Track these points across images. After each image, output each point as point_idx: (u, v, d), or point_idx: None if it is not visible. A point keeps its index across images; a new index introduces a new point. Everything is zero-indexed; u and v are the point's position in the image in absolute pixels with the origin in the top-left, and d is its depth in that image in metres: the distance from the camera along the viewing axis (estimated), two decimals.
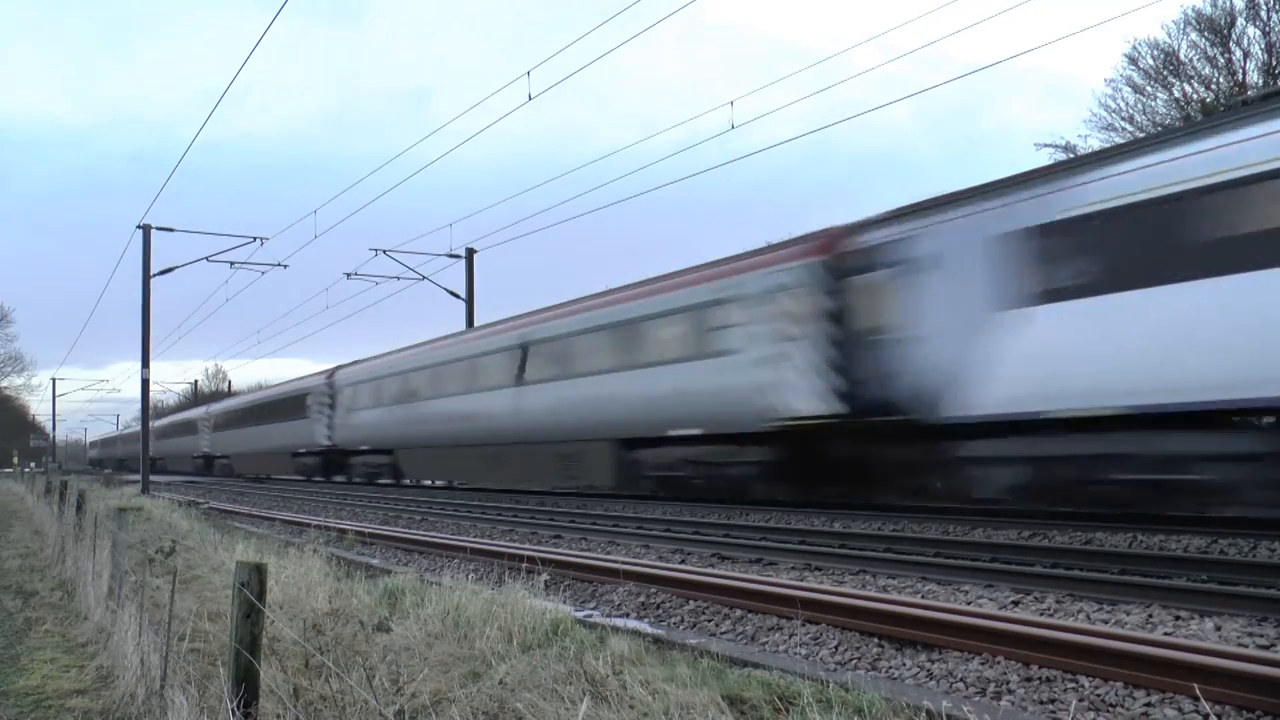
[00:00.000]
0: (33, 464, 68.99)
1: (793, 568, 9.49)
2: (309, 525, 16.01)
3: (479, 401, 24.87)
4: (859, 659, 5.76)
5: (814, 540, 11.55)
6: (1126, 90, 31.64)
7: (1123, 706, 4.53)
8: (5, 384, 79.07)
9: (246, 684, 3.57)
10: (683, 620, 7.27)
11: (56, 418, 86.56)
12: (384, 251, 33.00)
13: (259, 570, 3.64)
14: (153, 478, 50.97)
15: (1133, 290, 10.82)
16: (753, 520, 14.38)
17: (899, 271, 13.75)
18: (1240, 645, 5.49)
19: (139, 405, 35.11)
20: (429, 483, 31.80)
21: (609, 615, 7.37)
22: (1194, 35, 30.22)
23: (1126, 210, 10.88)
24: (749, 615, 7.02)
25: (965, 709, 4.17)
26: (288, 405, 40.51)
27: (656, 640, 6.04)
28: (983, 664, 5.29)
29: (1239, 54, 29.94)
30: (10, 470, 65.79)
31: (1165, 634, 5.77)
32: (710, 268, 17.94)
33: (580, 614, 6.90)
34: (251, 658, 3.57)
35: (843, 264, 14.79)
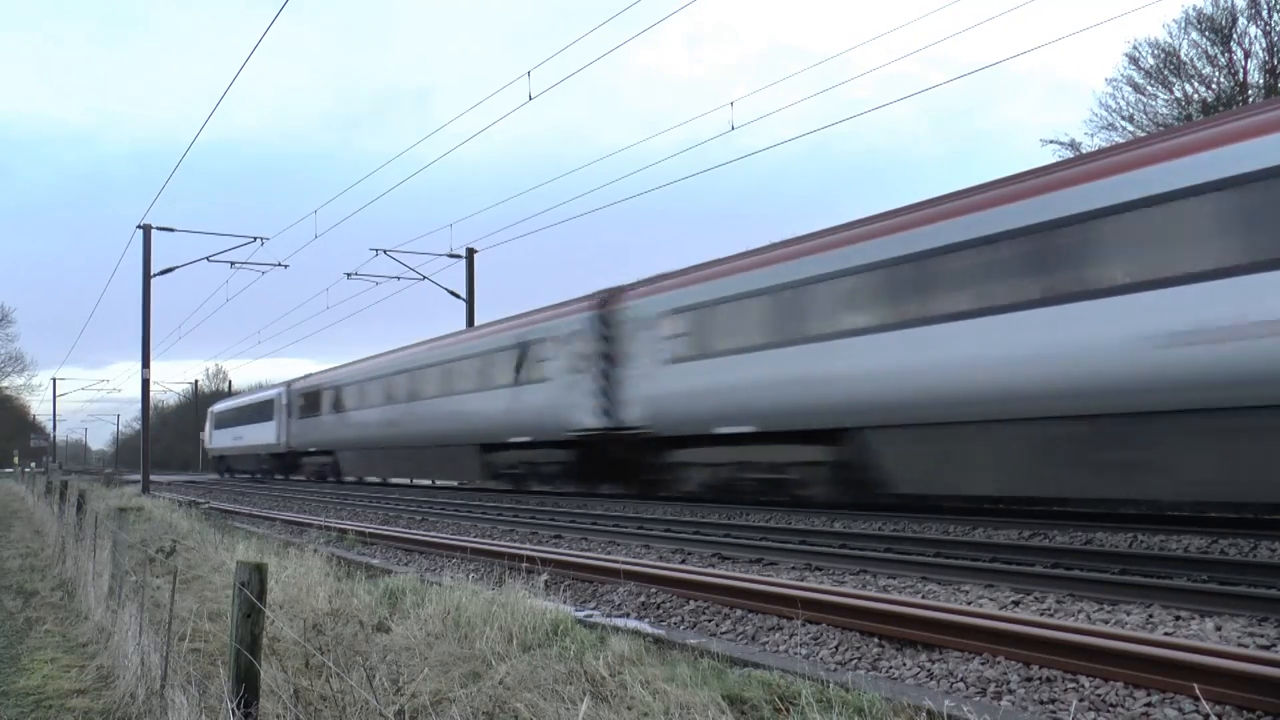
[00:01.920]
0: (33, 464, 68.81)
1: (793, 568, 9.48)
2: (309, 525, 16.02)
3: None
4: (859, 659, 5.76)
5: (814, 540, 11.55)
6: (1127, 90, 31.67)
7: (1123, 706, 4.53)
8: (5, 384, 79.22)
9: (247, 684, 3.57)
10: (683, 620, 7.27)
11: (57, 418, 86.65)
12: (384, 251, 33.06)
13: (259, 570, 3.64)
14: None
15: None
16: (753, 520, 14.38)
17: None
18: (1240, 645, 5.49)
19: (139, 405, 34.98)
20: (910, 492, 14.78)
21: (609, 615, 7.37)
22: (1195, 35, 30.24)
23: None
24: (749, 615, 7.02)
25: (966, 709, 4.17)
26: (486, 364, 24.15)
27: (657, 640, 6.04)
28: (983, 664, 5.29)
29: (1240, 54, 29.95)
30: (10, 470, 65.74)
31: (1165, 634, 5.77)
32: None
33: (580, 614, 6.90)
34: (252, 658, 3.58)
35: None
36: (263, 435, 43.55)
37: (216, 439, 54.35)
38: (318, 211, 46.34)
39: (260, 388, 50.56)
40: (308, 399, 38.06)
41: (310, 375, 39.96)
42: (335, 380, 35.80)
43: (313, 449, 37.69)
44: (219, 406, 56.08)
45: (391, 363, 30.84)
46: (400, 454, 30.11)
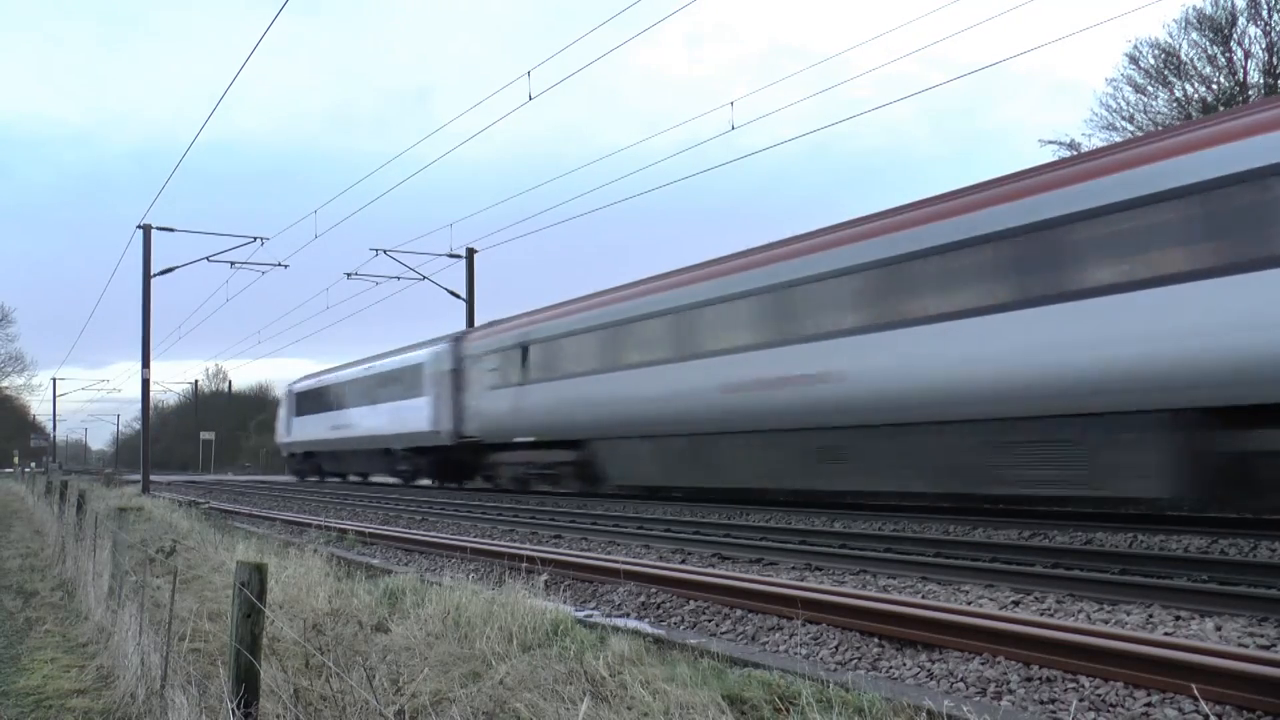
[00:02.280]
0: (33, 464, 68.72)
1: (793, 568, 9.49)
2: (309, 525, 16.02)
3: None
4: (859, 659, 5.76)
5: (814, 540, 11.55)
6: (1128, 90, 31.71)
7: (1123, 706, 4.53)
8: (5, 384, 79.36)
9: (247, 684, 3.57)
10: (683, 620, 7.27)
11: (57, 418, 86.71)
12: (384, 251, 33.04)
13: (259, 570, 3.65)
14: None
15: None
16: (753, 520, 14.38)
17: None
18: (1240, 645, 5.49)
19: (139, 405, 34.88)
20: None
21: (609, 615, 7.37)
22: (1195, 35, 30.27)
23: None
24: (749, 615, 7.02)
25: (965, 709, 4.17)
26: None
27: (657, 640, 6.04)
28: (983, 664, 5.29)
29: (1240, 54, 29.97)
30: (11, 470, 65.72)
31: (1165, 634, 5.77)
32: None
33: (580, 614, 6.90)
34: (252, 658, 3.58)
35: None
36: (400, 420, 28.93)
37: (299, 429, 39.59)
38: (318, 211, 46.28)
39: (371, 356, 33.75)
40: (511, 355, 23.03)
41: (510, 320, 24.40)
42: (593, 317, 20.33)
43: (526, 438, 22.51)
44: (304, 384, 40.25)
45: (801, 259, 15.52)
46: (821, 440, 15.04)
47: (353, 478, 36.40)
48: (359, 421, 32.80)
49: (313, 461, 39.41)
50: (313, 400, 38.01)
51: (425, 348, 28.60)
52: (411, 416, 28.21)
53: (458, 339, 27.04)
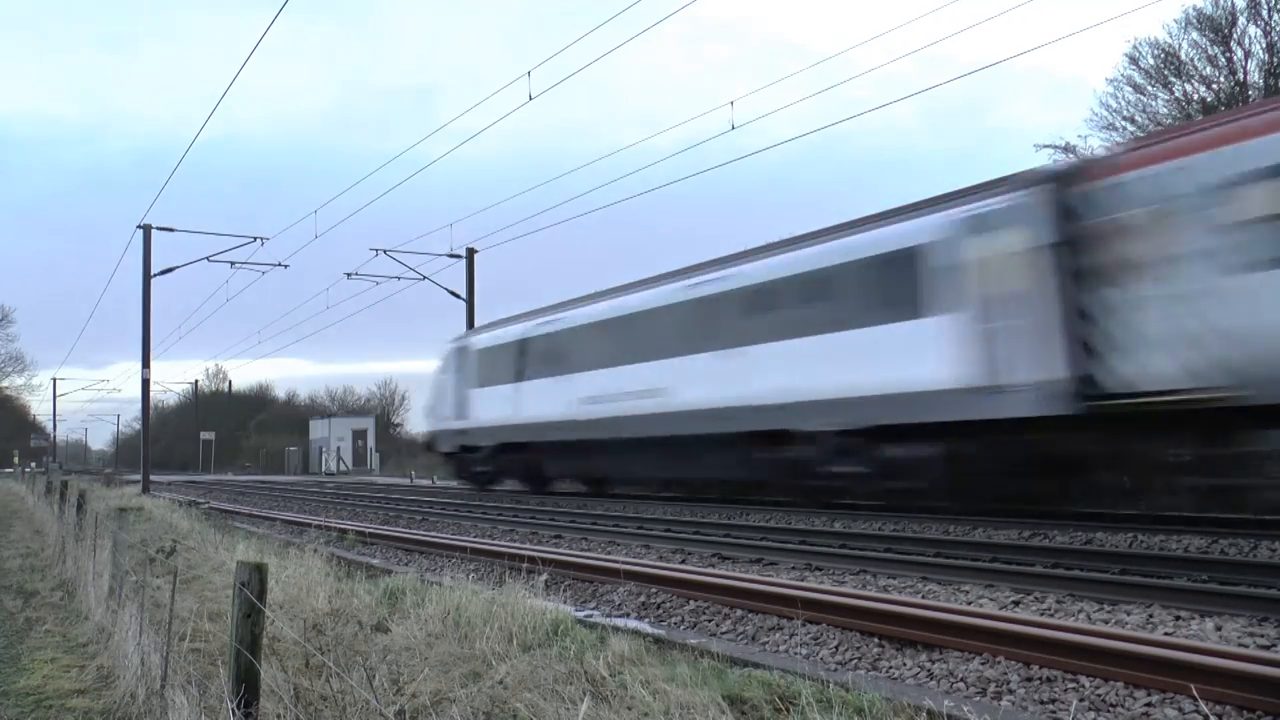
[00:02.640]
0: (33, 464, 68.62)
1: (793, 568, 9.49)
2: (309, 525, 16.02)
3: None
4: (859, 659, 5.76)
5: (814, 540, 11.55)
6: (1127, 90, 31.66)
7: (1123, 706, 4.53)
8: (5, 384, 79.47)
9: (247, 684, 3.57)
10: (683, 620, 7.27)
11: (57, 418, 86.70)
12: (384, 251, 32.98)
13: (259, 570, 3.65)
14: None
15: None
16: (753, 520, 14.39)
17: None
18: (1240, 645, 5.49)
19: (139, 405, 34.84)
20: None
21: (609, 615, 7.38)
22: (1195, 35, 30.24)
23: None
24: (749, 615, 7.02)
25: (966, 709, 4.17)
26: None
27: (657, 640, 6.04)
28: (983, 664, 5.29)
29: (1240, 54, 29.96)
30: (11, 470, 65.71)
31: (1165, 634, 5.77)
32: None
33: (581, 614, 6.90)
34: (252, 658, 3.58)
35: None
36: (832, 371, 14.76)
37: (485, 407, 24.83)
38: (318, 211, 46.11)
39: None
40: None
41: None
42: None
43: None
44: (498, 334, 25.17)
45: None
46: None
47: (564, 484, 24.06)
48: (677, 385, 18.15)
49: (517, 459, 23.88)
50: (523, 357, 23.06)
51: (917, 215, 14.24)
52: (883, 363, 14.10)
53: (1062, 177, 12.49)
